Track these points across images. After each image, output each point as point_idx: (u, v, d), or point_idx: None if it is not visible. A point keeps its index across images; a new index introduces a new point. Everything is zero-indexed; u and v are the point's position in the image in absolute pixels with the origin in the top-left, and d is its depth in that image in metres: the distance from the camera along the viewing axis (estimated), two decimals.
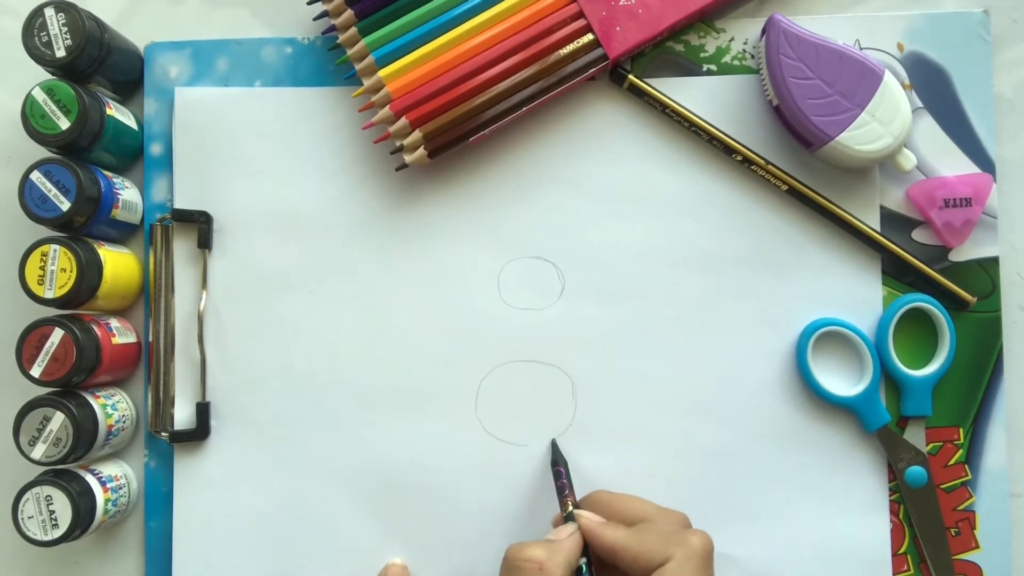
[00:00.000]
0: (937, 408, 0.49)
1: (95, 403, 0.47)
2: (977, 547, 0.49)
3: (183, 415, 0.51)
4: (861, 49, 0.50)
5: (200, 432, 0.50)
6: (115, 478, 0.49)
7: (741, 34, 0.51)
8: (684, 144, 0.51)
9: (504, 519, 0.50)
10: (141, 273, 0.51)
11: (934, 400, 0.49)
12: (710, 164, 0.51)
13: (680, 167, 0.51)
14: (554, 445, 0.49)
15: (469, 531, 0.50)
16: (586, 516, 0.43)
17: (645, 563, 0.39)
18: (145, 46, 0.52)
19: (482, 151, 0.51)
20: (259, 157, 0.51)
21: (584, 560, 0.42)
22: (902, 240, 0.50)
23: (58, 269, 0.46)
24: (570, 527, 0.43)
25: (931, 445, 0.49)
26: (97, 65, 0.48)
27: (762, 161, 0.50)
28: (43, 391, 0.46)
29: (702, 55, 0.51)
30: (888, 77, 0.47)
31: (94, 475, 0.47)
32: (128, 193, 0.50)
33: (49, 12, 0.46)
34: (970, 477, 0.49)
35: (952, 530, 0.49)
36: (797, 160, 0.50)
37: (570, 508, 0.44)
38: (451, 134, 0.49)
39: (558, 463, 0.47)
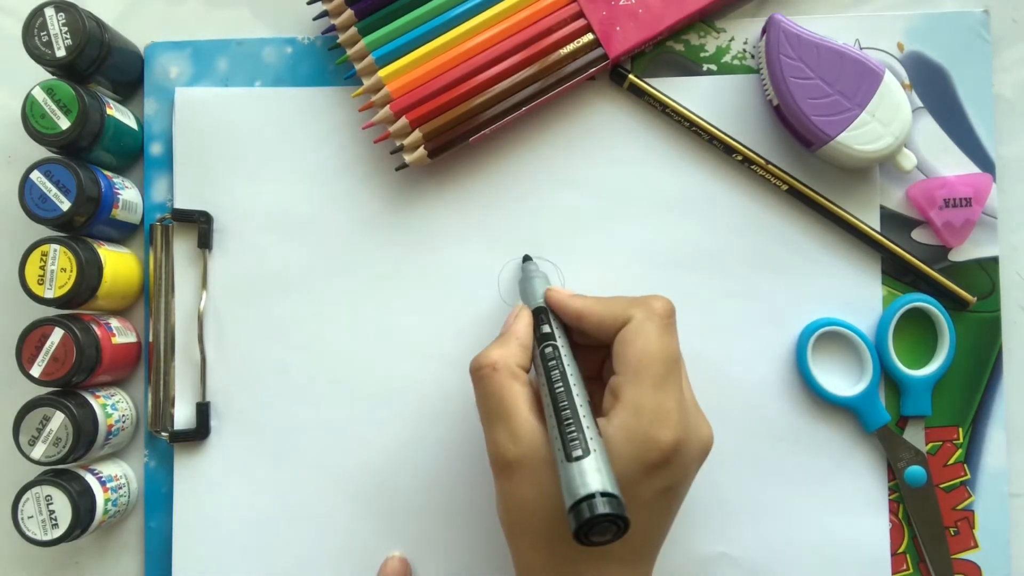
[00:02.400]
0: (937, 408, 0.49)
1: (95, 403, 0.47)
2: (976, 546, 0.49)
3: (183, 415, 0.51)
4: (861, 49, 0.50)
5: (200, 432, 0.50)
6: (115, 478, 0.49)
7: (741, 34, 0.51)
8: (684, 144, 0.51)
9: None
10: (141, 273, 0.51)
11: (934, 400, 0.49)
12: (710, 164, 0.51)
13: (680, 167, 0.51)
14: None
15: (468, 531, 0.50)
16: (555, 289, 0.45)
17: (609, 324, 0.41)
18: (145, 46, 0.52)
19: (482, 151, 0.51)
20: (259, 157, 0.51)
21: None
22: (902, 240, 0.50)
23: (58, 269, 0.46)
24: (516, 311, 0.45)
25: (930, 445, 0.49)
26: (97, 65, 0.48)
27: (762, 161, 0.50)
28: (43, 391, 0.46)
29: (702, 55, 0.51)
30: (888, 77, 0.47)
31: (94, 475, 0.47)
32: (128, 193, 0.50)
33: (49, 12, 0.46)
34: (969, 477, 0.49)
35: (951, 529, 0.49)
36: (797, 160, 0.50)
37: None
38: (451, 134, 0.49)
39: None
